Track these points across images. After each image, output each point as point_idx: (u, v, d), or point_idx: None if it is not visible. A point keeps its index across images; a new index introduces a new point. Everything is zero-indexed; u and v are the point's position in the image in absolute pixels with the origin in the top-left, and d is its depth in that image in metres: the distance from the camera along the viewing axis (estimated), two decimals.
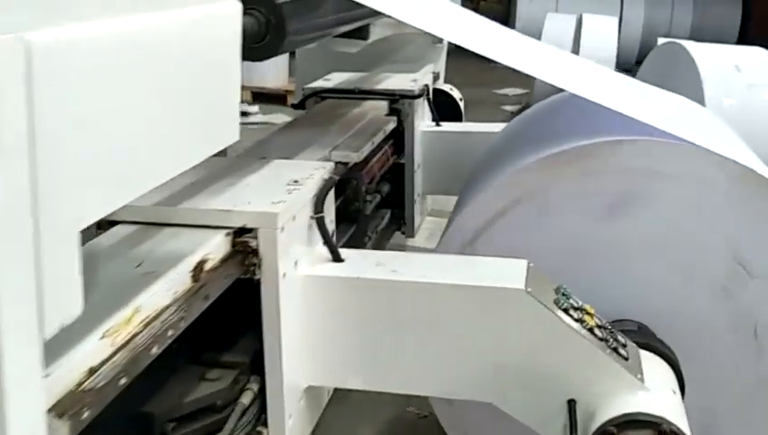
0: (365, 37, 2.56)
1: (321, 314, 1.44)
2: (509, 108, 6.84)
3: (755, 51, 4.63)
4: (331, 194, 1.59)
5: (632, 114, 1.63)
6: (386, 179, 2.53)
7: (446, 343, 1.41)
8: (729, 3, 11.77)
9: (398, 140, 2.57)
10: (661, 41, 5.25)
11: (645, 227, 1.65)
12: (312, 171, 1.54)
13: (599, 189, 1.65)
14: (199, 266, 1.21)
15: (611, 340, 1.40)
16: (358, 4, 1.64)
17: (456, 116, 3.41)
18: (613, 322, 1.68)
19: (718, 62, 4.39)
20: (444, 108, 3.43)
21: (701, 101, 4.27)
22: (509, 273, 1.41)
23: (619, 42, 10.97)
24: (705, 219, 1.63)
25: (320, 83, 2.68)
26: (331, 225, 1.61)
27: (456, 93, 3.49)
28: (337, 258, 1.49)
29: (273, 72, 5.76)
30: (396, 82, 2.67)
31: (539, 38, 7.10)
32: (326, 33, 1.86)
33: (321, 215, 1.48)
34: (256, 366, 1.38)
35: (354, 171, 2.10)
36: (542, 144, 1.73)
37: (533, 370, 1.38)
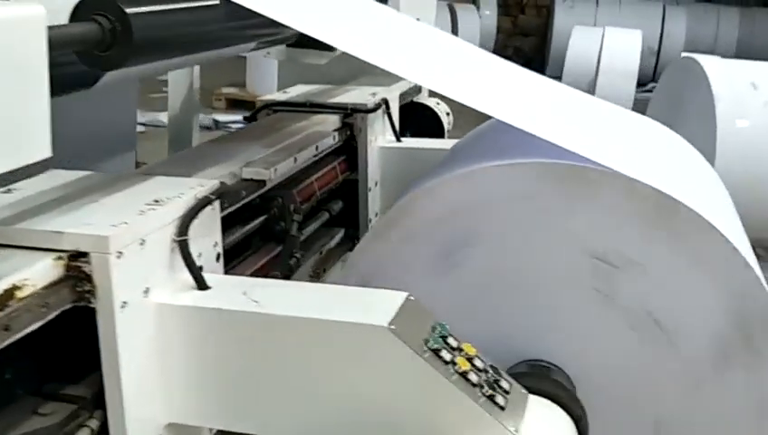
0: (332, 48, 2.45)
1: (177, 345, 1.33)
2: None
3: None
4: (213, 214, 1.48)
5: (546, 136, 1.49)
6: (338, 197, 2.41)
7: (307, 382, 1.28)
8: None
9: (353, 155, 2.45)
10: (684, 55, 5.02)
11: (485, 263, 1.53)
12: (185, 190, 1.43)
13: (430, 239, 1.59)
14: (8, 293, 1.11)
15: (488, 386, 1.25)
16: (259, 18, 1.54)
17: (437, 132, 3.27)
18: (531, 362, 1.54)
19: (734, 79, 4.16)
20: (423, 123, 3.31)
21: (713, 120, 4.05)
22: (379, 307, 1.27)
23: (659, 55, 10.72)
24: (543, 229, 1.51)
25: (276, 96, 2.58)
26: (214, 248, 1.50)
27: (442, 107, 3.36)
28: (202, 286, 1.37)
29: (269, 83, 5.70)
30: (353, 95, 2.55)
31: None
32: (206, 47, 1.74)
33: (184, 238, 1.36)
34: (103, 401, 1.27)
35: (281, 189, 1.98)
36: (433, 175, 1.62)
37: (396, 417, 1.24)
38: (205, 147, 2.00)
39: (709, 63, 4.23)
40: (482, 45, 10.78)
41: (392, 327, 1.22)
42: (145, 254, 1.29)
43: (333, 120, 2.40)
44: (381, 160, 2.54)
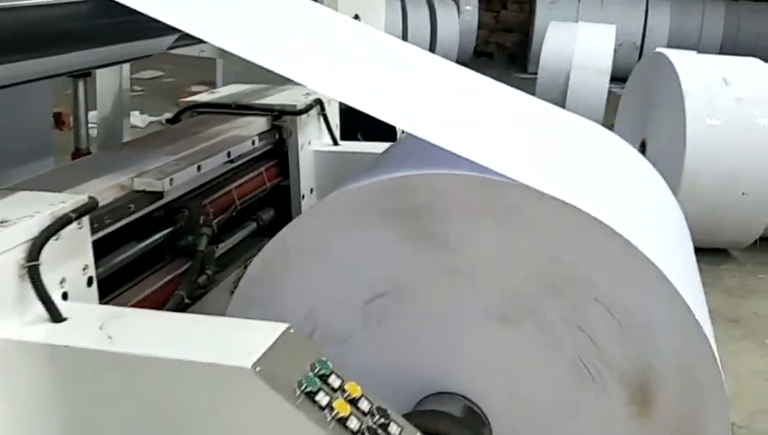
0: None
1: (24, 385, 1.16)
2: None
3: (748, 62, 4.23)
4: (80, 234, 1.31)
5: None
6: (270, 205, 2.24)
7: (164, 430, 1.12)
8: (763, 14, 11.19)
9: (285, 160, 2.29)
10: (657, 50, 4.86)
11: None
12: (43, 207, 1.26)
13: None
14: None
15: (370, 433, 1.08)
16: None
17: (390, 135, 3.10)
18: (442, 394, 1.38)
19: (705, 75, 4.01)
20: (376, 126, 3.14)
21: (683, 116, 3.89)
22: (248, 343, 1.11)
23: (642, 51, 10.55)
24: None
25: (202, 96, 2.41)
26: (83, 272, 1.33)
27: None
28: (55, 317, 1.20)
29: None
30: (285, 96, 2.38)
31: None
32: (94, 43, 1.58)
33: (33, 263, 1.19)
34: None
35: (188, 200, 1.82)
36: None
37: None
38: (103, 154, 1.83)
39: (679, 59, 4.07)
40: (462, 42, 10.65)
41: (257, 369, 1.06)
42: None
43: (261, 123, 2.23)
44: (317, 165, 2.37)
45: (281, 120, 2.26)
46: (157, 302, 1.71)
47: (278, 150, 2.27)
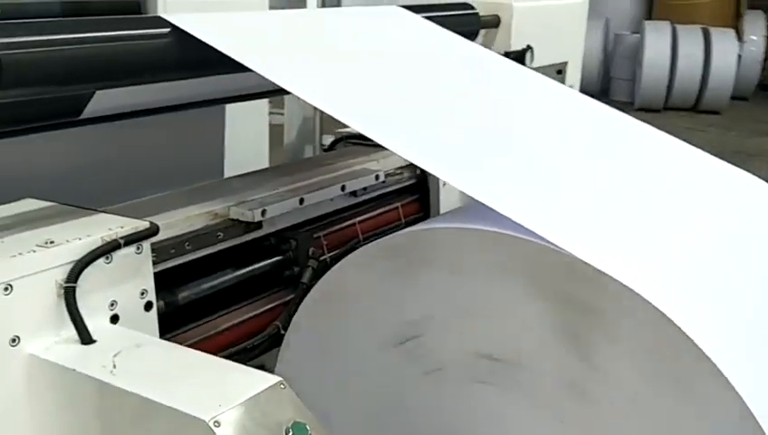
0: None
1: (44, 402, 1.21)
2: None
3: None
4: (137, 258, 1.35)
5: None
6: None
7: None
8: None
9: (427, 196, 2.21)
10: None
11: None
12: (97, 230, 1.31)
13: None
14: None
15: None
16: None
17: None
18: None
19: None
20: None
21: None
22: (227, 392, 1.06)
23: None
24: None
25: None
26: (141, 297, 1.37)
27: None
28: (84, 340, 1.24)
29: None
30: None
31: None
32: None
33: (70, 285, 1.24)
34: None
35: (297, 231, 1.81)
36: None
37: None
38: (227, 181, 1.89)
39: None
40: (742, 74, 9.69)
41: (215, 423, 1.00)
42: (13, 299, 1.19)
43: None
44: (461, 202, 2.25)
45: None
46: (251, 330, 1.72)
47: (421, 185, 2.20)
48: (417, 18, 1.97)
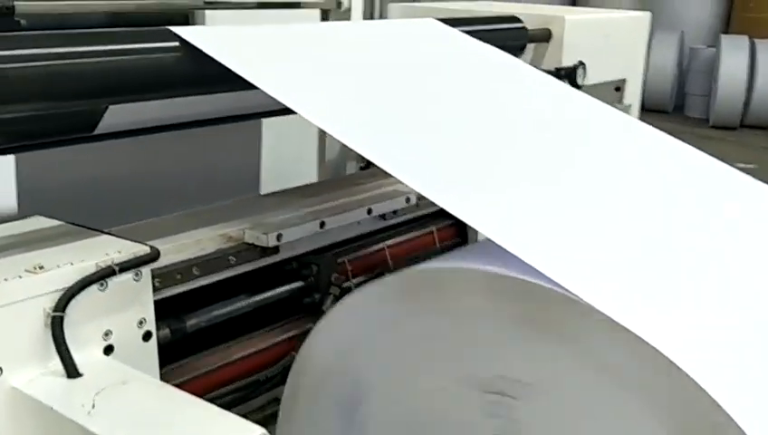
0: None
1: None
2: None
3: None
4: (135, 286, 1.27)
5: None
6: None
7: None
8: None
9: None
10: None
11: None
12: (92, 256, 1.24)
13: None
14: None
15: None
16: None
17: None
18: None
19: None
20: None
21: None
22: None
23: None
24: None
25: None
26: (139, 326, 1.29)
27: None
28: (71, 373, 1.17)
29: None
30: None
31: None
32: None
33: (58, 314, 1.17)
34: None
35: (319, 255, 1.71)
36: None
37: None
38: (246, 201, 1.80)
39: None
40: None
41: None
42: None
43: None
44: None
45: None
46: (267, 359, 1.63)
47: None
48: (452, 32, 1.85)
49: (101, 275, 1.23)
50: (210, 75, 1.37)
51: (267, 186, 2.66)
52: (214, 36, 1.34)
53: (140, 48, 1.33)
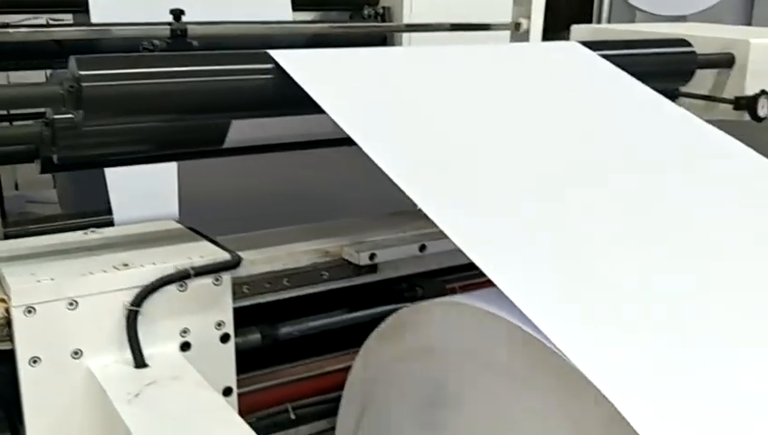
0: None
1: (94, 416, 1.28)
2: None
3: None
4: (214, 290, 1.37)
5: None
6: None
7: None
8: None
9: None
10: None
11: None
12: (174, 258, 1.36)
13: None
14: None
15: None
16: None
17: None
18: None
19: None
20: None
21: None
22: None
23: None
24: None
25: None
26: (217, 328, 1.39)
27: None
28: (138, 363, 1.29)
29: None
30: None
31: None
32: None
33: (133, 309, 1.29)
34: None
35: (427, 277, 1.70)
36: None
37: None
38: (361, 220, 1.83)
39: None
40: None
41: None
42: (77, 315, 1.27)
43: None
44: None
45: None
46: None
47: None
48: (595, 59, 1.74)
49: (178, 277, 1.34)
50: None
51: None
52: (301, 60, 1.39)
53: (240, 69, 1.43)
